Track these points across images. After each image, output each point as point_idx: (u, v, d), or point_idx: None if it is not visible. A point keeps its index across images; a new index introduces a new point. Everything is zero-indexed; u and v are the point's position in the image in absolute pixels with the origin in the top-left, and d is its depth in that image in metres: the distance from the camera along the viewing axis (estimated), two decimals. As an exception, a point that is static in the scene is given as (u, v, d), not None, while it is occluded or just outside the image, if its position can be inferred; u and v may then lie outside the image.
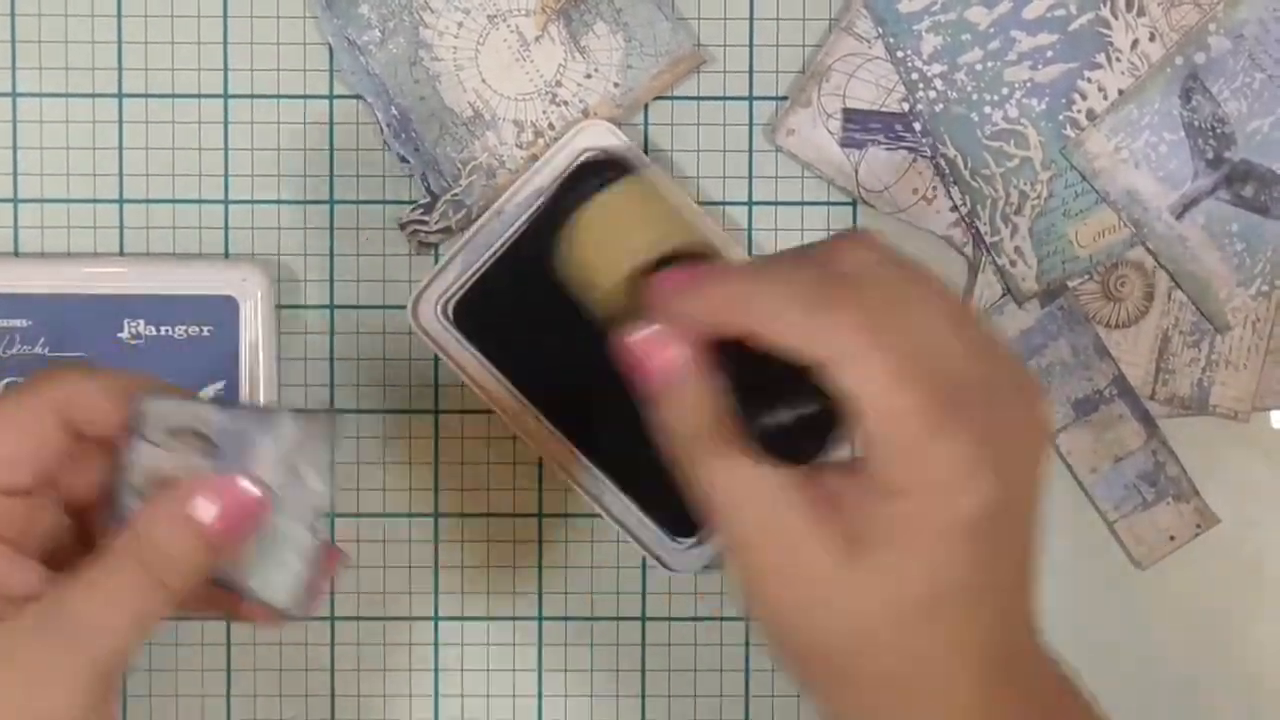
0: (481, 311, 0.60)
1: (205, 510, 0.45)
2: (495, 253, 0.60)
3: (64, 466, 0.47)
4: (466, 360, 0.60)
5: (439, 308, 0.59)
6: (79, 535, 0.48)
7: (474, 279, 0.60)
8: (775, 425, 0.43)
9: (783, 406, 0.43)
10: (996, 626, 0.44)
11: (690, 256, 0.47)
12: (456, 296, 0.60)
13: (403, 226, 0.61)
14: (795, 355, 0.42)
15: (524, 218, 0.59)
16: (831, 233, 0.58)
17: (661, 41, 0.55)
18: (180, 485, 0.45)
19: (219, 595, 0.47)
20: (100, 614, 0.44)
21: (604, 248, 0.47)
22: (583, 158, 0.59)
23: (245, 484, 0.45)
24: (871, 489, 0.42)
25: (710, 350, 0.44)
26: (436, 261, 0.61)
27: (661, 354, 0.44)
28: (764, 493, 0.43)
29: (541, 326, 0.58)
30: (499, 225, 0.60)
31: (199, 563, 0.45)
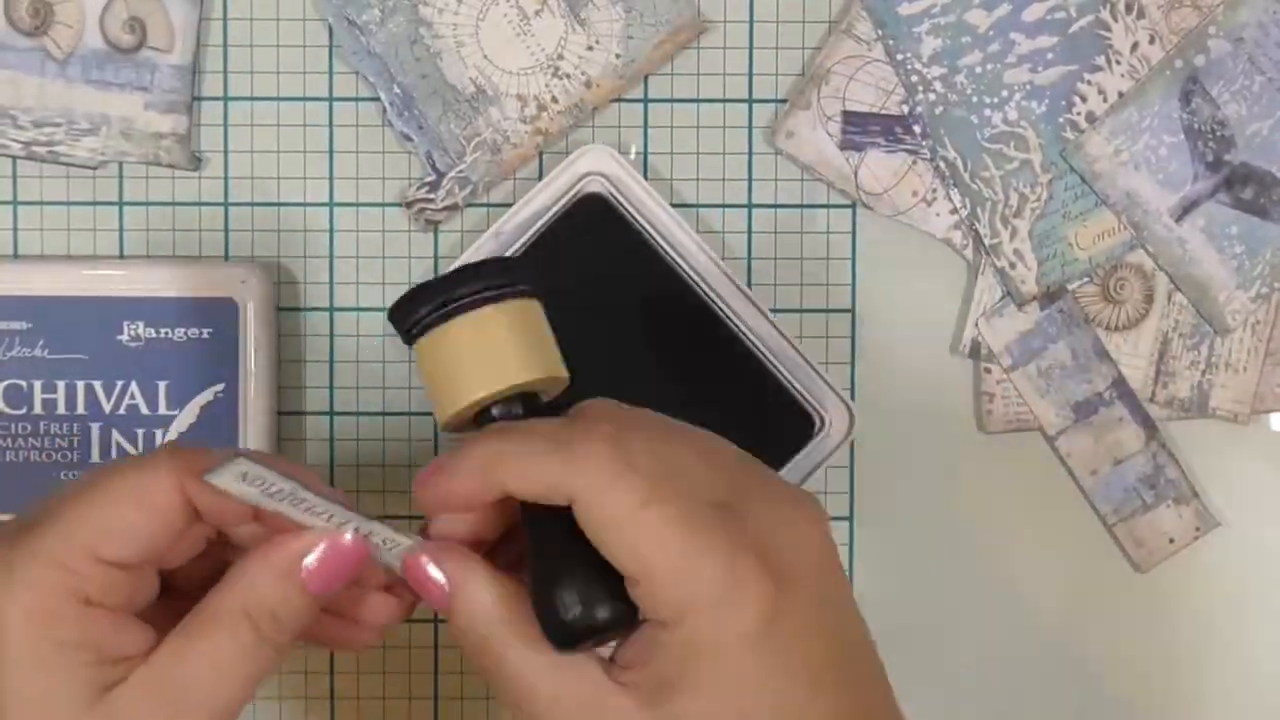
0: None
1: (311, 565, 0.45)
2: None
3: (175, 543, 0.47)
4: None
5: None
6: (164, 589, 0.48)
7: None
8: (573, 630, 0.43)
9: (577, 607, 0.43)
10: None
11: (520, 397, 0.48)
12: None
13: (408, 205, 0.61)
14: (549, 499, 0.43)
15: (523, 240, 0.59)
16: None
17: (662, 10, 0.55)
18: (283, 541, 0.46)
19: (315, 628, 0.48)
20: (209, 679, 0.44)
21: (439, 380, 0.48)
22: (584, 184, 0.59)
23: (346, 537, 0.46)
24: (654, 627, 0.43)
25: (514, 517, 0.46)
26: (437, 241, 0.62)
27: (432, 574, 0.45)
28: (551, 685, 0.44)
29: None
30: (497, 246, 0.59)
31: (305, 617, 0.46)
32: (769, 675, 0.43)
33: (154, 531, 0.45)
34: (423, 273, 0.62)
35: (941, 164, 0.61)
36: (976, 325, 0.62)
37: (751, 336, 0.60)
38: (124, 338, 0.60)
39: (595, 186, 0.60)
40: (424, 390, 0.49)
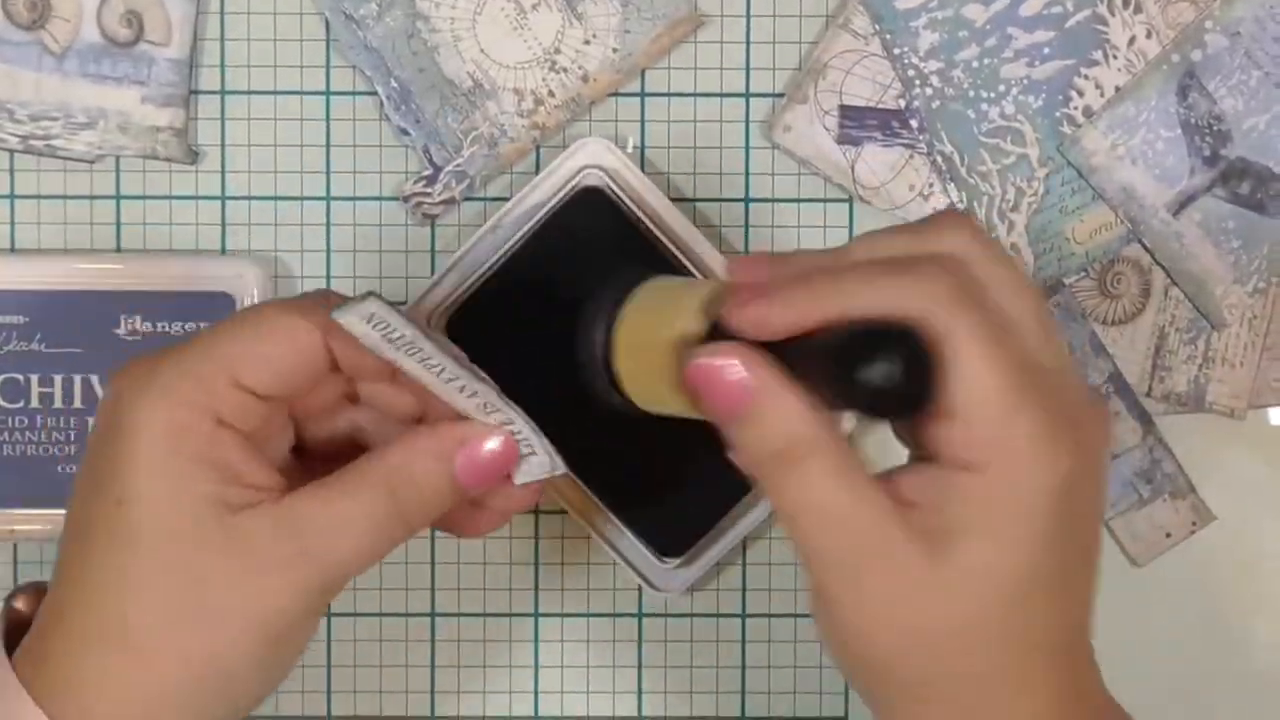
0: (474, 327, 0.59)
1: (464, 459, 0.46)
2: (490, 268, 0.59)
3: (310, 387, 0.47)
4: None
5: (432, 321, 0.59)
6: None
7: (468, 294, 0.59)
8: (873, 385, 0.41)
9: (877, 358, 0.41)
10: (1074, 623, 0.44)
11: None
12: (451, 310, 0.59)
13: (405, 199, 0.61)
14: (887, 315, 0.41)
15: (520, 234, 0.59)
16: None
17: (659, 4, 0.55)
18: (442, 429, 0.46)
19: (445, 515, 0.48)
20: (337, 529, 0.45)
21: (642, 356, 0.47)
22: (582, 177, 0.59)
23: (506, 439, 0.46)
24: (950, 471, 0.42)
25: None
26: (434, 235, 0.62)
27: (733, 375, 0.43)
28: (844, 506, 0.42)
29: (534, 345, 0.58)
30: (494, 241, 0.59)
31: (445, 505, 0.47)
32: (1060, 536, 0.42)
33: (291, 366, 0.46)
34: (420, 267, 0.62)
35: (938, 158, 0.61)
36: (973, 319, 0.62)
37: None
38: (121, 331, 0.60)
39: (593, 180, 0.59)
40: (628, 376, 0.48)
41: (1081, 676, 0.45)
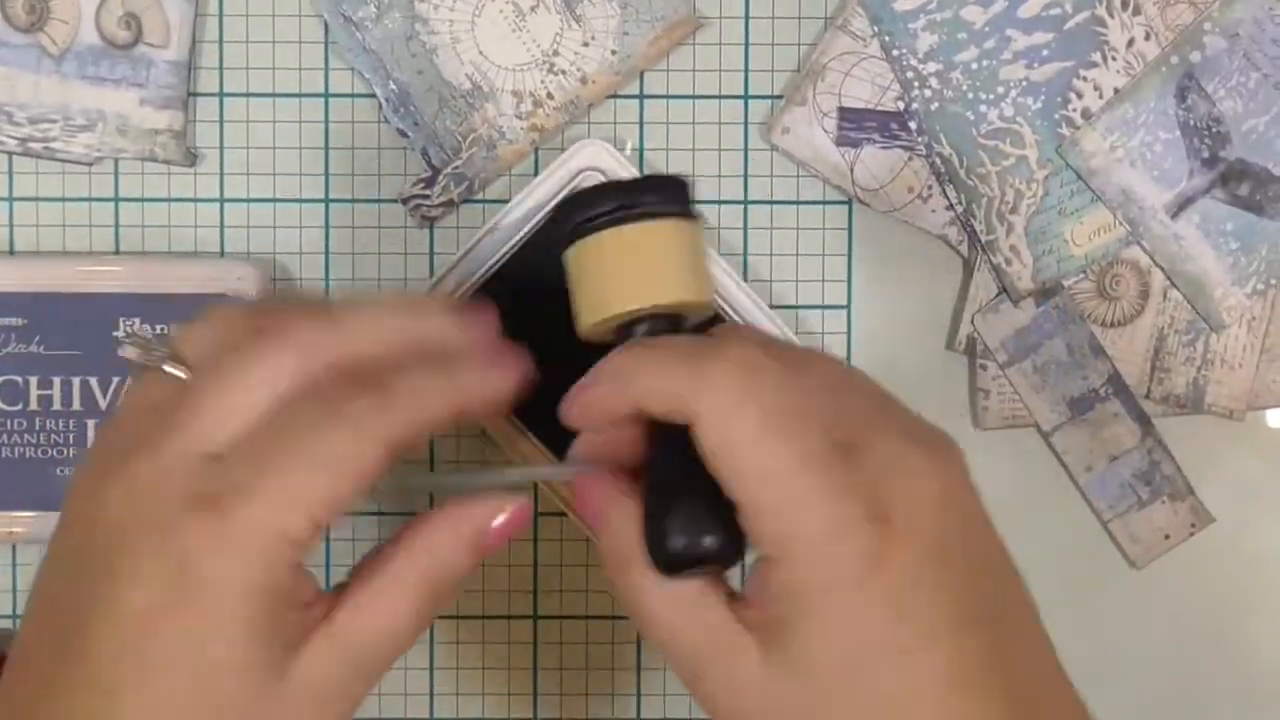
0: None
1: (493, 534, 0.46)
2: (490, 269, 0.59)
3: None
4: None
5: None
6: None
7: (469, 294, 0.59)
8: (676, 557, 0.43)
9: (684, 535, 0.43)
10: (949, 678, 0.43)
11: (666, 316, 0.47)
12: None
13: (404, 201, 0.61)
14: (673, 416, 0.43)
15: (520, 234, 0.59)
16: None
17: (657, 6, 0.55)
18: (467, 510, 0.46)
19: None
20: (387, 641, 0.44)
21: (589, 284, 0.48)
22: (580, 180, 0.59)
23: (519, 502, 0.46)
24: (766, 564, 0.43)
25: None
26: (433, 237, 0.62)
27: (587, 494, 0.46)
28: (674, 616, 0.44)
29: (536, 343, 0.58)
30: (494, 241, 0.59)
31: (470, 573, 0.46)
32: (876, 621, 0.42)
33: (359, 493, 0.44)
34: (419, 269, 0.62)
35: (937, 160, 0.61)
36: (972, 321, 0.62)
37: (739, 320, 0.60)
38: (119, 334, 0.60)
39: (591, 182, 0.59)
40: (570, 293, 0.48)
41: (974, 706, 0.43)
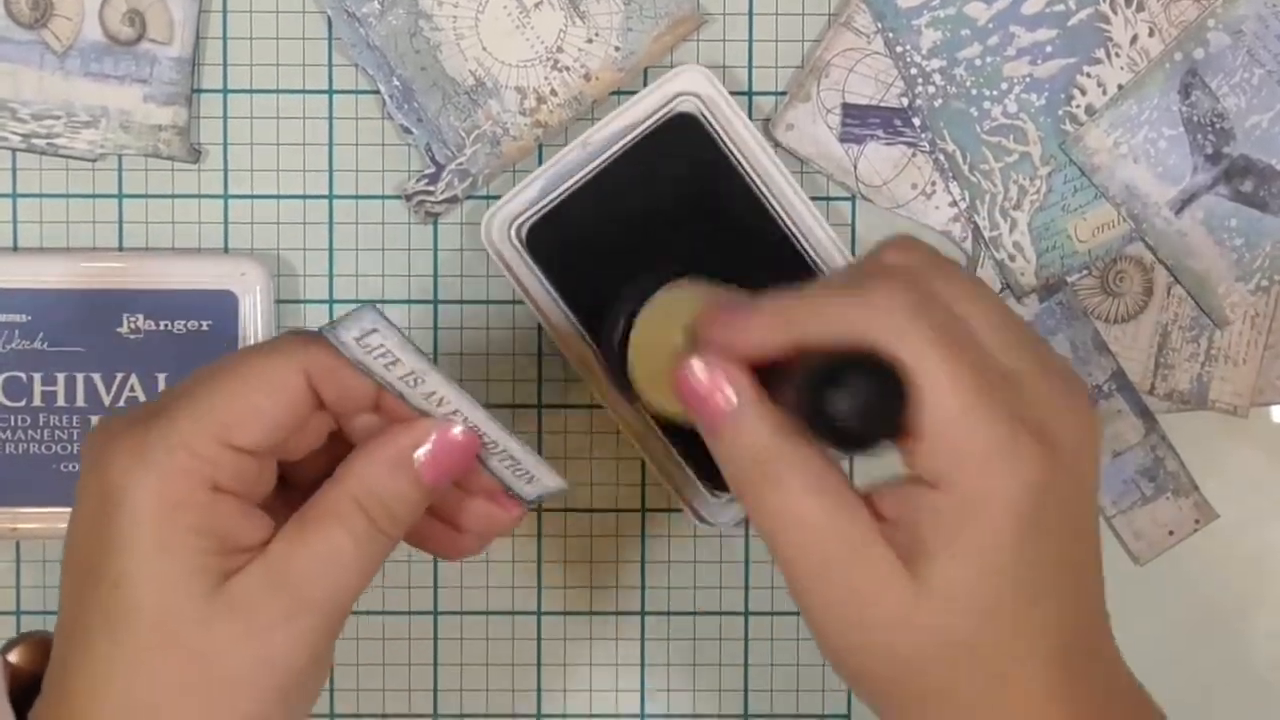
0: (554, 238, 0.59)
1: (424, 456, 0.46)
2: (576, 183, 0.59)
3: (299, 431, 0.47)
4: (531, 283, 0.59)
5: (513, 229, 0.59)
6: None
7: (551, 205, 0.59)
8: (840, 414, 0.42)
9: (841, 389, 0.42)
10: (1065, 624, 0.44)
11: None
12: (532, 220, 0.59)
13: (408, 197, 0.61)
14: (847, 341, 0.42)
15: (609, 152, 0.59)
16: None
17: (661, 3, 0.55)
18: (396, 432, 0.46)
19: (420, 532, 0.48)
20: (324, 569, 0.44)
21: (649, 358, 0.48)
22: (677, 103, 0.59)
23: (456, 429, 0.46)
24: (920, 488, 0.42)
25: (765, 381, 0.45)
26: (436, 233, 0.62)
27: (715, 387, 0.44)
28: (821, 519, 0.43)
29: (610, 262, 0.59)
30: (583, 155, 0.59)
31: (420, 507, 0.46)
32: (1028, 548, 0.42)
33: (282, 418, 0.45)
34: (422, 265, 0.62)
35: (941, 156, 0.61)
36: (976, 318, 0.62)
37: (825, 269, 0.60)
38: (123, 330, 0.60)
39: (687, 106, 0.60)
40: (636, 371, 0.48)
41: (1082, 679, 0.45)
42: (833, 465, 0.44)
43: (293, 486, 0.48)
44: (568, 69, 0.56)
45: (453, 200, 0.61)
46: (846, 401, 0.41)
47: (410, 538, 0.48)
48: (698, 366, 0.45)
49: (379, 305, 0.45)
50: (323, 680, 0.46)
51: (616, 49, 0.57)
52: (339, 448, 0.48)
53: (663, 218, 0.59)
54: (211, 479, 0.44)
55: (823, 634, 0.44)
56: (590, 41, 0.56)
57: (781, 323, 0.44)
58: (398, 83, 0.60)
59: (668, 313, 0.47)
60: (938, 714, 0.44)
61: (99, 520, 0.44)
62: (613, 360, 0.47)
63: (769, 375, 0.45)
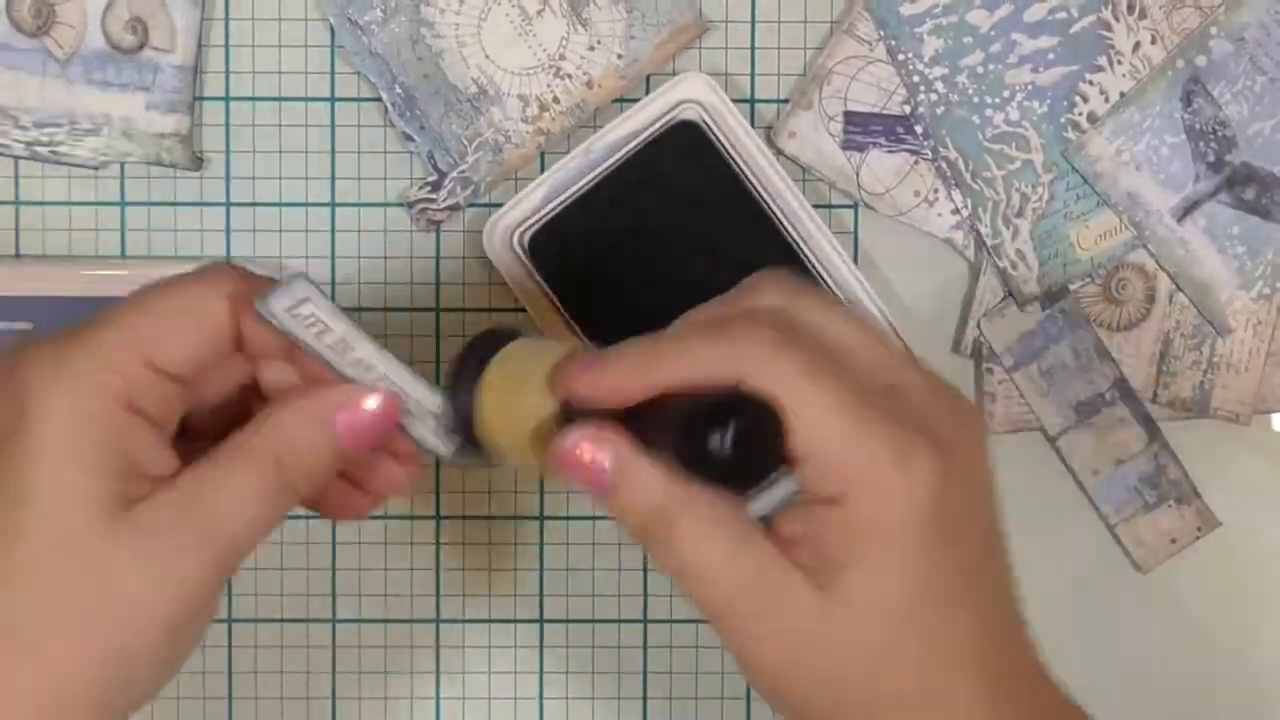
0: (556, 246, 0.60)
1: (344, 420, 0.46)
2: (578, 190, 0.60)
3: (217, 362, 0.47)
4: (533, 291, 0.60)
5: (515, 236, 0.60)
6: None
7: (553, 213, 0.60)
8: (720, 454, 0.42)
9: (724, 427, 0.42)
10: (984, 633, 0.44)
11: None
12: (534, 228, 0.60)
13: (410, 205, 0.61)
14: (713, 382, 0.43)
15: (612, 159, 0.60)
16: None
17: (663, 11, 0.54)
18: (321, 392, 0.46)
19: (323, 495, 0.48)
20: (231, 507, 0.44)
21: (502, 414, 0.47)
22: (679, 110, 0.59)
23: (376, 398, 0.46)
24: (818, 506, 0.43)
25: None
26: (439, 241, 0.62)
27: (589, 459, 0.45)
28: (721, 560, 0.43)
29: (611, 270, 0.59)
30: (585, 163, 0.60)
31: (330, 469, 0.46)
32: (936, 551, 0.42)
33: (205, 345, 0.45)
34: (424, 272, 0.62)
35: (943, 164, 0.61)
36: (978, 325, 0.62)
37: (827, 277, 0.60)
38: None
39: (690, 114, 0.60)
40: (488, 427, 0.47)
41: (1003, 681, 0.45)
42: (722, 500, 0.44)
43: (193, 438, 0.47)
44: (570, 76, 0.56)
45: (455, 208, 0.61)
46: (726, 440, 0.42)
47: (308, 499, 0.47)
48: (574, 443, 0.45)
49: (307, 274, 0.46)
50: (207, 624, 0.46)
51: (619, 56, 0.57)
52: (244, 406, 0.48)
53: (665, 225, 0.59)
54: (128, 397, 0.44)
55: (747, 665, 0.45)
56: (592, 49, 0.56)
57: (646, 369, 0.44)
58: (400, 90, 0.60)
59: (513, 383, 0.47)
60: None
61: (6, 432, 0.43)
62: (458, 427, 0.47)
63: (631, 417, 0.45)
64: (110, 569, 0.43)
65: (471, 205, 0.61)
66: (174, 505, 0.44)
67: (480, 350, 0.47)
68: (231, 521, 0.44)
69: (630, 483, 0.44)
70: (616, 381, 0.44)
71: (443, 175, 0.60)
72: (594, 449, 0.44)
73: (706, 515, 0.44)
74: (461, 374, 0.47)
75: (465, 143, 0.57)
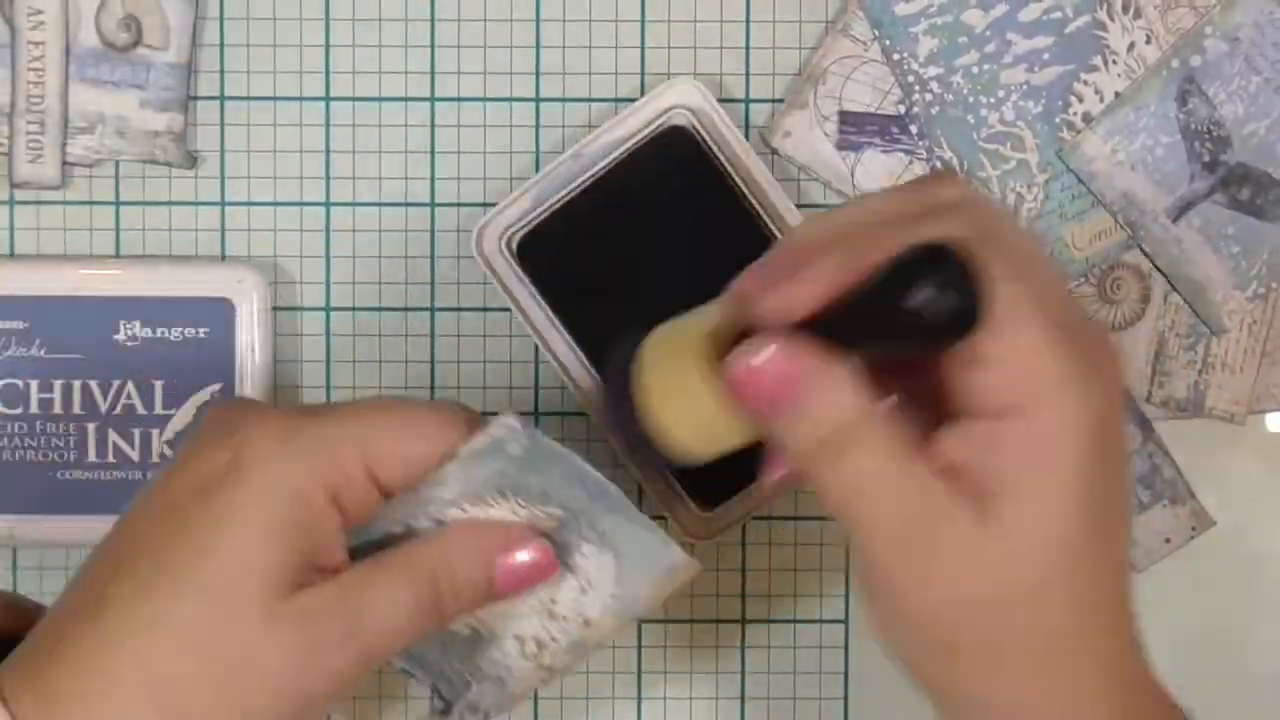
0: (545, 250, 0.60)
1: (512, 559, 0.47)
2: (567, 194, 0.60)
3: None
4: (522, 294, 0.60)
5: (504, 240, 0.59)
6: None
7: (543, 217, 0.60)
8: (924, 295, 0.39)
9: (927, 275, 0.39)
10: (1119, 571, 0.43)
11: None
12: (523, 231, 0.60)
13: None
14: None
15: (602, 164, 0.60)
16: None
17: (652, 557, 0.51)
18: (498, 527, 0.47)
19: None
20: (384, 610, 0.45)
21: (670, 395, 0.45)
22: (669, 116, 0.60)
23: (549, 549, 0.47)
24: (989, 422, 0.41)
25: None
26: (434, 244, 0.62)
27: (778, 370, 0.42)
28: (899, 470, 0.42)
29: (601, 274, 0.59)
30: (575, 168, 0.60)
31: (479, 603, 0.47)
32: (1098, 480, 0.42)
33: (422, 467, 0.46)
34: (420, 273, 0.62)
35: (938, 164, 0.61)
36: (973, 325, 0.62)
37: None
38: (120, 337, 0.60)
39: (680, 119, 0.60)
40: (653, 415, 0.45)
41: (1129, 631, 0.45)
42: (899, 422, 0.42)
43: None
44: (565, 618, 0.52)
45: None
46: (933, 287, 0.39)
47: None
48: (749, 350, 0.42)
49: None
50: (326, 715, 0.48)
51: (613, 597, 0.52)
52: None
53: (654, 230, 0.59)
54: (338, 491, 0.45)
55: (902, 597, 0.43)
56: (584, 593, 0.52)
57: (845, 258, 0.41)
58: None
59: (673, 338, 0.45)
60: (1011, 662, 0.43)
61: (214, 484, 0.44)
62: (623, 419, 0.45)
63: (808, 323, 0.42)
64: (259, 645, 0.44)
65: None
66: (333, 599, 0.45)
67: (623, 361, 0.46)
68: (380, 624, 0.45)
69: (817, 397, 0.42)
70: (825, 280, 0.41)
71: (449, 705, 0.53)
72: (782, 357, 0.42)
73: (883, 435, 0.42)
74: (614, 390, 0.46)
75: (468, 678, 0.53)
